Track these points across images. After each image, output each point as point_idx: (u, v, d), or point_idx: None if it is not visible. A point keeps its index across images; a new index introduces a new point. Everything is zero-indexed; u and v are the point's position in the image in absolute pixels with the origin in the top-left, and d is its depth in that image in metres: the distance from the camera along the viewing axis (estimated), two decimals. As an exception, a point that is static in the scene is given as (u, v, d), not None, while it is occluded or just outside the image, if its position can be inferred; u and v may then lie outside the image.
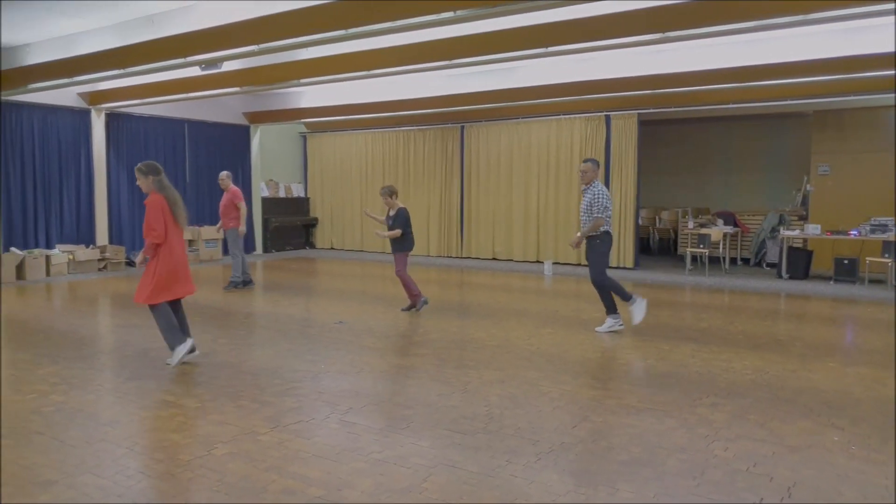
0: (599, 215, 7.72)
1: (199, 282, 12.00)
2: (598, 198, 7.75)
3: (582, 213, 7.94)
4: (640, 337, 7.74)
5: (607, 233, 7.82)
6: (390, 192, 9.20)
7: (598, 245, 7.84)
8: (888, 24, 8.50)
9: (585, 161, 7.98)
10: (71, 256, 12.93)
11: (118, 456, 4.23)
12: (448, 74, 12.63)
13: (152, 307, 6.29)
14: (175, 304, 6.49)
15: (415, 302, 9.25)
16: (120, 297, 10.24)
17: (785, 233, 12.75)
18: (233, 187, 11.29)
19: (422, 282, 12.53)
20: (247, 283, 11.36)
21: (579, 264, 14.32)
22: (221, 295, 10.62)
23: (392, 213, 9.25)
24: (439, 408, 5.15)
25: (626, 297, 7.91)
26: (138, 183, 6.43)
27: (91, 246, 13.64)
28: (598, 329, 8.00)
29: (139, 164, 6.45)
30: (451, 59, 9.44)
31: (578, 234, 7.94)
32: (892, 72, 9.49)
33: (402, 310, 9.29)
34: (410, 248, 9.29)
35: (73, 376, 5.99)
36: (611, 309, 8.00)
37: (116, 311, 9.26)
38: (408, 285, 9.23)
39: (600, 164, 13.66)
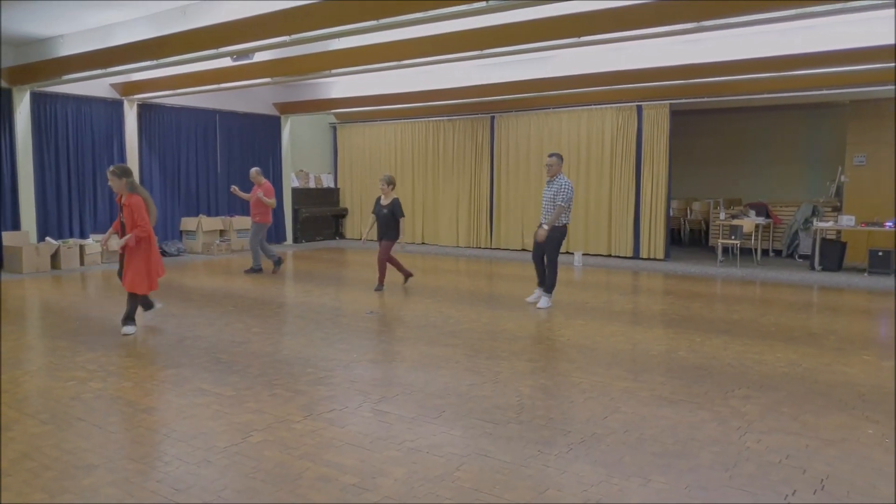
0: (563, 204, 8.56)
1: (231, 272, 12.19)
2: (564, 189, 8.58)
3: (547, 203, 8.71)
4: (672, 329, 7.71)
5: (566, 225, 8.78)
6: (390, 181, 10.00)
7: (559, 235, 8.72)
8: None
9: (551, 155, 8.76)
10: (104, 246, 13.11)
11: (156, 442, 4.32)
12: (479, 64, 12.61)
13: (136, 295, 7.18)
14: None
15: (382, 283, 10.16)
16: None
17: (818, 224, 12.57)
18: (266, 182, 11.93)
19: (451, 272, 12.61)
20: (256, 270, 12.01)
21: (609, 255, 14.26)
22: (255, 284, 10.74)
23: (386, 202, 9.95)
24: (471, 397, 5.18)
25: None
26: (110, 184, 7.12)
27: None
28: (540, 305, 8.87)
29: (113, 168, 7.14)
30: (482, 48, 9.41)
31: (545, 226, 8.63)
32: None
33: (376, 289, 10.08)
34: (398, 238, 10.15)
35: (110, 364, 6.11)
36: (548, 287, 8.91)
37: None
38: (390, 268, 10.21)
39: (640, 155, 13.76)
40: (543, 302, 8.87)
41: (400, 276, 10.51)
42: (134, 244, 6.99)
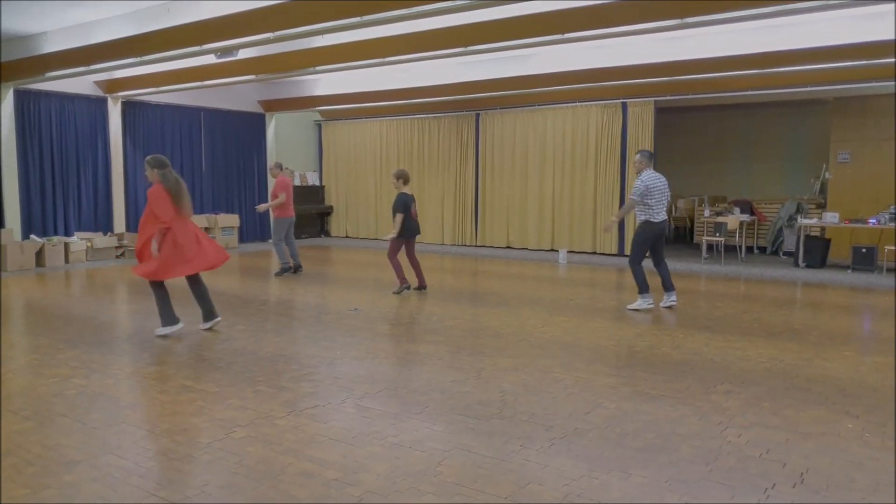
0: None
1: (218, 269, 12.11)
2: None
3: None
4: (655, 325, 7.75)
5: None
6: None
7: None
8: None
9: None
10: (89, 244, 13.06)
11: (139, 438, 4.31)
12: (463, 61, 12.61)
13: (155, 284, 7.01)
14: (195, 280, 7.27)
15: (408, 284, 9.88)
16: (137, 284, 10.33)
17: (802, 221, 12.66)
18: (280, 176, 11.52)
19: (436, 269, 12.62)
20: (285, 269, 11.50)
21: (594, 252, 14.31)
22: (239, 282, 10.71)
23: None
24: (454, 393, 5.19)
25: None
26: (146, 173, 6.99)
27: (109, 233, 13.78)
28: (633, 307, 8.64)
29: (148, 157, 7.06)
30: (466, 45, 9.43)
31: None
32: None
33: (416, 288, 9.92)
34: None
35: (93, 361, 6.08)
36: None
37: (134, 297, 9.36)
38: (387, 268, 10.01)
39: (625, 152, 13.82)
40: (642, 303, 8.60)
41: (394, 279, 10.00)
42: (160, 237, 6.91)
